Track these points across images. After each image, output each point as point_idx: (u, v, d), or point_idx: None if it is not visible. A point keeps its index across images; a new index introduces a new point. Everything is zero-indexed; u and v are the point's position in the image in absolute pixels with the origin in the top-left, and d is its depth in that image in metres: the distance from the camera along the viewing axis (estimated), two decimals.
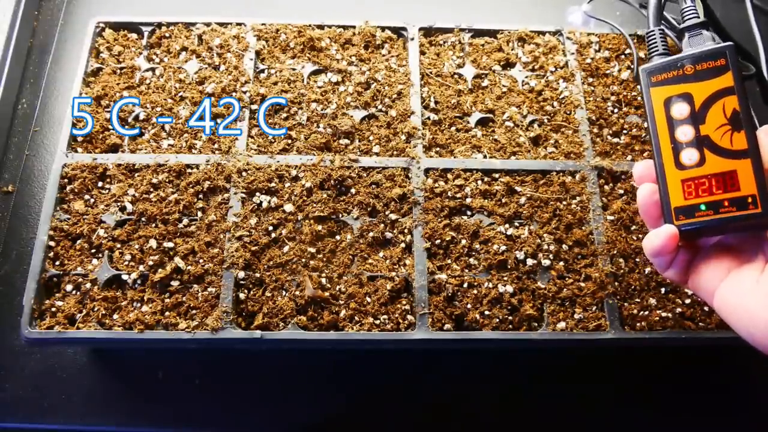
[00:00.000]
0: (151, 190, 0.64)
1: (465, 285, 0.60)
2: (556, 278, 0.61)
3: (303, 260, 0.61)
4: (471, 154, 0.67)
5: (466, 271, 0.61)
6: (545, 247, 0.62)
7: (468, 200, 0.64)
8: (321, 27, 0.74)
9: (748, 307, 0.41)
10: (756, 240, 0.44)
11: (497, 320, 0.59)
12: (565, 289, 0.61)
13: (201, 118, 0.68)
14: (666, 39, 0.49)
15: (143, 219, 0.62)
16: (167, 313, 0.58)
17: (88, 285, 0.59)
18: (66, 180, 0.64)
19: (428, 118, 0.69)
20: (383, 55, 0.73)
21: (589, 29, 0.78)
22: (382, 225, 0.63)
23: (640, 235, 0.64)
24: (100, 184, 0.64)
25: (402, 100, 0.70)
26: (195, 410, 0.62)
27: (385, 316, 0.59)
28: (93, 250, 0.61)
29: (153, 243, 0.61)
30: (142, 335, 0.56)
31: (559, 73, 0.73)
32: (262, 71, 0.71)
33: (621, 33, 0.74)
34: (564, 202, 0.65)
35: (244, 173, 0.64)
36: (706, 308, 0.61)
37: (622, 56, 0.75)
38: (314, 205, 0.63)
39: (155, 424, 0.62)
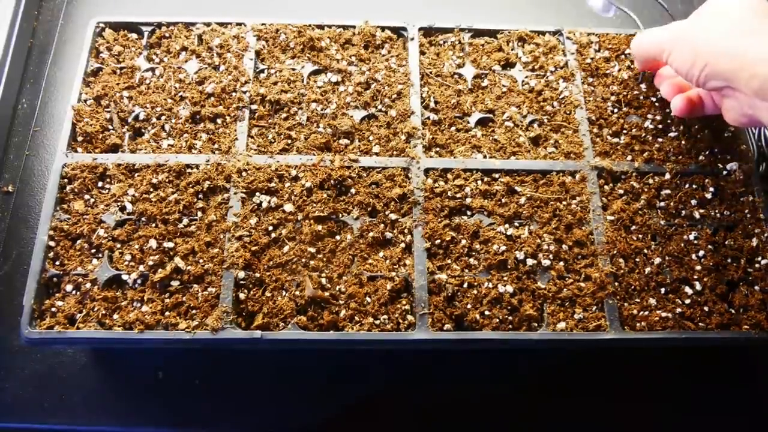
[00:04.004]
0: (151, 190, 0.63)
1: (465, 285, 0.60)
2: (556, 278, 0.61)
3: (303, 260, 0.61)
4: (471, 154, 0.67)
5: (466, 271, 0.61)
6: (545, 247, 0.62)
7: (468, 200, 0.64)
8: (321, 27, 0.74)
9: None
10: None
11: (497, 320, 0.59)
12: (565, 290, 0.61)
13: (201, 118, 0.68)
14: None
15: (143, 219, 0.62)
16: (167, 313, 0.58)
17: (88, 285, 0.59)
18: (66, 180, 0.64)
19: (428, 118, 0.69)
20: (383, 55, 0.73)
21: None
22: (382, 225, 0.63)
23: (640, 235, 0.64)
24: (100, 184, 0.64)
25: (402, 100, 0.70)
26: (195, 410, 0.62)
27: (385, 316, 0.59)
28: (93, 250, 0.61)
29: (153, 243, 0.61)
30: (142, 335, 0.56)
31: (559, 73, 0.73)
32: (262, 71, 0.71)
33: (639, 26, 0.74)
34: (564, 202, 0.65)
35: (244, 173, 0.64)
36: (706, 308, 0.61)
37: (622, 56, 0.74)
38: (314, 205, 0.63)
39: (155, 424, 0.62)
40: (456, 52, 0.74)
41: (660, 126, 0.70)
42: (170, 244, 0.61)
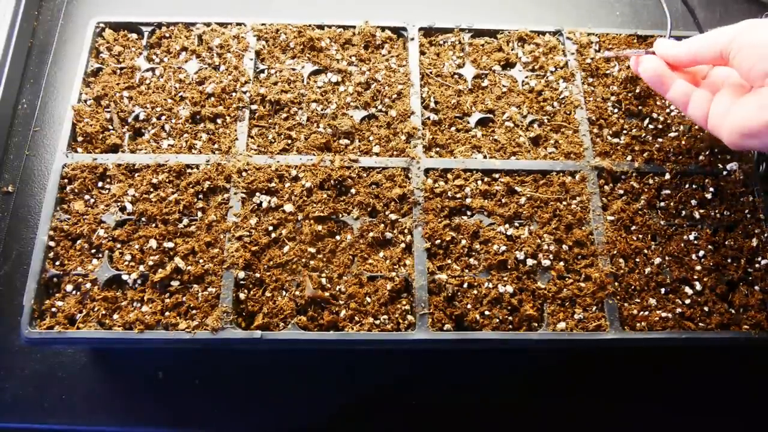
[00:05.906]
0: (151, 190, 0.64)
1: (465, 285, 0.60)
2: (556, 278, 0.61)
3: (303, 260, 0.61)
4: (471, 154, 0.67)
5: (466, 271, 0.61)
6: (545, 247, 0.62)
7: (468, 200, 0.64)
8: (321, 27, 0.74)
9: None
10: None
11: (497, 320, 0.59)
12: (565, 290, 0.61)
13: (201, 118, 0.68)
14: None
15: (143, 219, 0.62)
16: (167, 313, 0.58)
17: (88, 285, 0.59)
18: (66, 180, 0.64)
19: (428, 118, 0.69)
20: (383, 55, 0.73)
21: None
22: (382, 225, 0.63)
23: (640, 236, 0.64)
24: (100, 184, 0.64)
25: (402, 100, 0.70)
26: (195, 410, 0.62)
27: (385, 316, 0.59)
28: (93, 250, 0.61)
29: (153, 243, 0.61)
30: (142, 335, 0.56)
31: (559, 73, 0.73)
32: (262, 71, 0.71)
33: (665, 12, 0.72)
34: (564, 203, 0.65)
35: (244, 173, 0.64)
36: (706, 308, 0.61)
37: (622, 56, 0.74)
38: (314, 205, 0.63)
39: (155, 424, 0.62)
40: (456, 52, 0.74)
41: (660, 126, 0.70)
42: (170, 244, 0.61)
